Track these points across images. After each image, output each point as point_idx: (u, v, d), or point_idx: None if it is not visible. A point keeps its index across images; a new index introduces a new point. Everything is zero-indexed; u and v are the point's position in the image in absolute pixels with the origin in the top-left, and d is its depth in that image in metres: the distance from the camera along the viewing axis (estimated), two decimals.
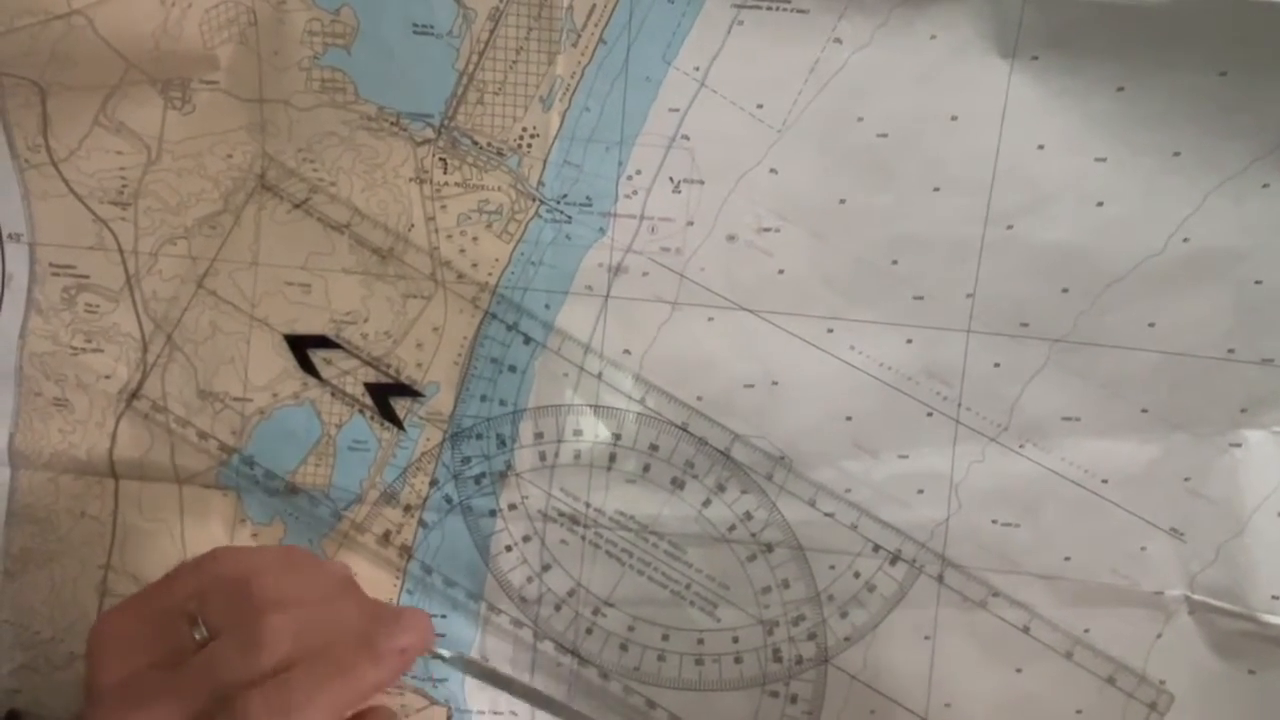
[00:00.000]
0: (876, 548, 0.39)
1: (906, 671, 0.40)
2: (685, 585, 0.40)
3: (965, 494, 0.39)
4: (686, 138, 0.38)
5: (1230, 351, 0.38)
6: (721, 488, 0.40)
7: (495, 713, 0.41)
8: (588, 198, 0.39)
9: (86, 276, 0.40)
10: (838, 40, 0.37)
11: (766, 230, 0.39)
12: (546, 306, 0.40)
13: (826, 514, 0.39)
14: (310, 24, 0.38)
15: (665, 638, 0.40)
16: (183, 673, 0.31)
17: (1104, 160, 0.37)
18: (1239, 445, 0.38)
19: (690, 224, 0.39)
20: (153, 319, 0.41)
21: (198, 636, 0.32)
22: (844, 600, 0.40)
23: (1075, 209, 0.38)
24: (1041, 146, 0.37)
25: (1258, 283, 0.37)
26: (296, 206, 0.40)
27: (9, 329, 0.40)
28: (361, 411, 0.40)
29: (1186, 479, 0.39)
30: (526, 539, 0.40)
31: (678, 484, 0.40)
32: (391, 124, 0.39)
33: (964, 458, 0.39)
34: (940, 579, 0.39)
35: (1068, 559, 0.39)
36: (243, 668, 0.31)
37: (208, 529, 0.41)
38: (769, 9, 0.37)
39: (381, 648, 0.33)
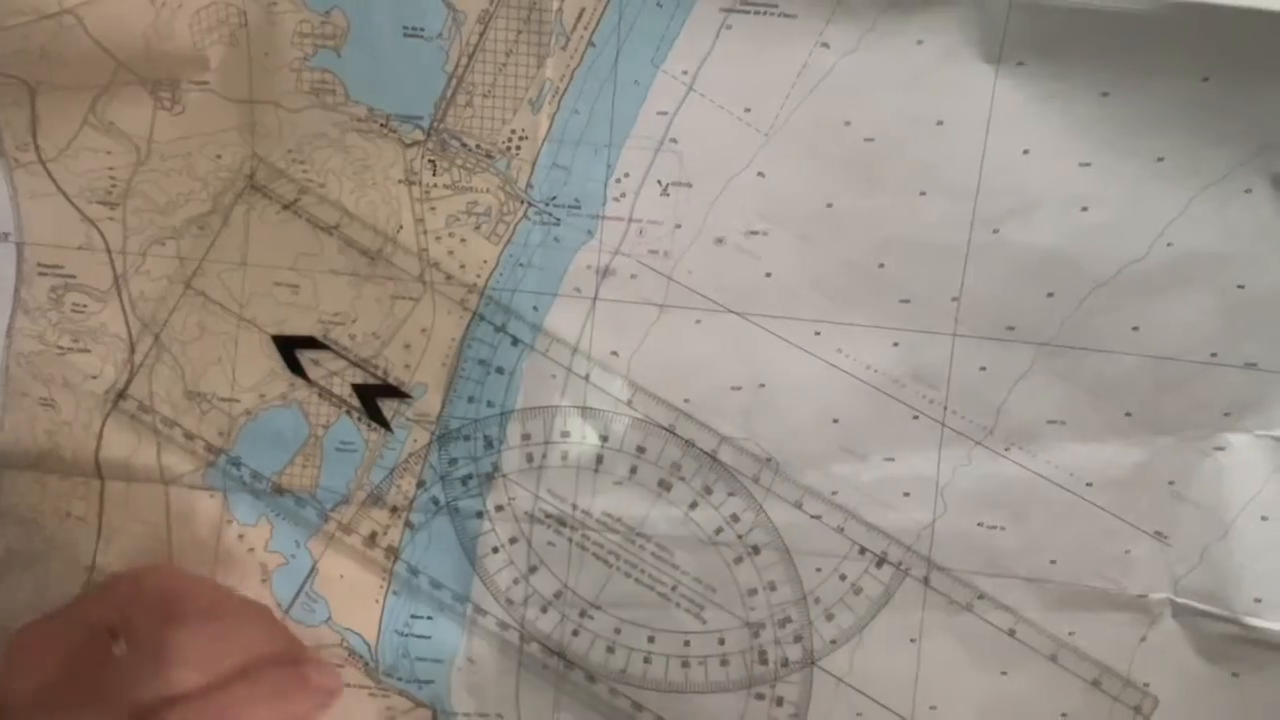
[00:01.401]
0: (863, 550, 0.40)
1: (892, 674, 0.40)
2: (672, 587, 0.40)
3: (951, 497, 0.39)
4: (675, 141, 0.39)
5: (1213, 355, 0.38)
6: (708, 490, 0.40)
7: (481, 714, 0.41)
8: (576, 200, 0.39)
9: (74, 276, 0.40)
10: (825, 45, 0.38)
11: (754, 233, 0.39)
12: (535, 308, 0.40)
13: (813, 516, 0.39)
14: (300, 25, 0.38)
15: (651, 640, 0.40)
16: (97, 686, 0.31)
17: (1088, 165, 0.37)
18: (1223, 449, 0.39)
19: (678, 227, 0.39)
20: (140, 319, 0.41)
21: (117, 651, 0.32)
22: (830, 603, 0.40)
23: (1060, 213, 0.38)
24: (1027, 151, 0.38)
25: (1240, 287, 0.38)
26: (285, 207, 0.40)
27: None
28: (349, 413, 0.40)
29: (1171, 482, 0.39)
30: (513, 541, 0.40)
31: (665, 486, 0.40)
32: (381, 126, 0.39)
33: (950, 461, 0.39)
34: (926, 582, 0.39)
35: (1053, 562, 0.39)
36: (154, 686, 0.31)
37: (194, 530, 0.41)
38: (757, 13, 0.37)
39: (313, 681, 0.34)
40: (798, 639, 0.40)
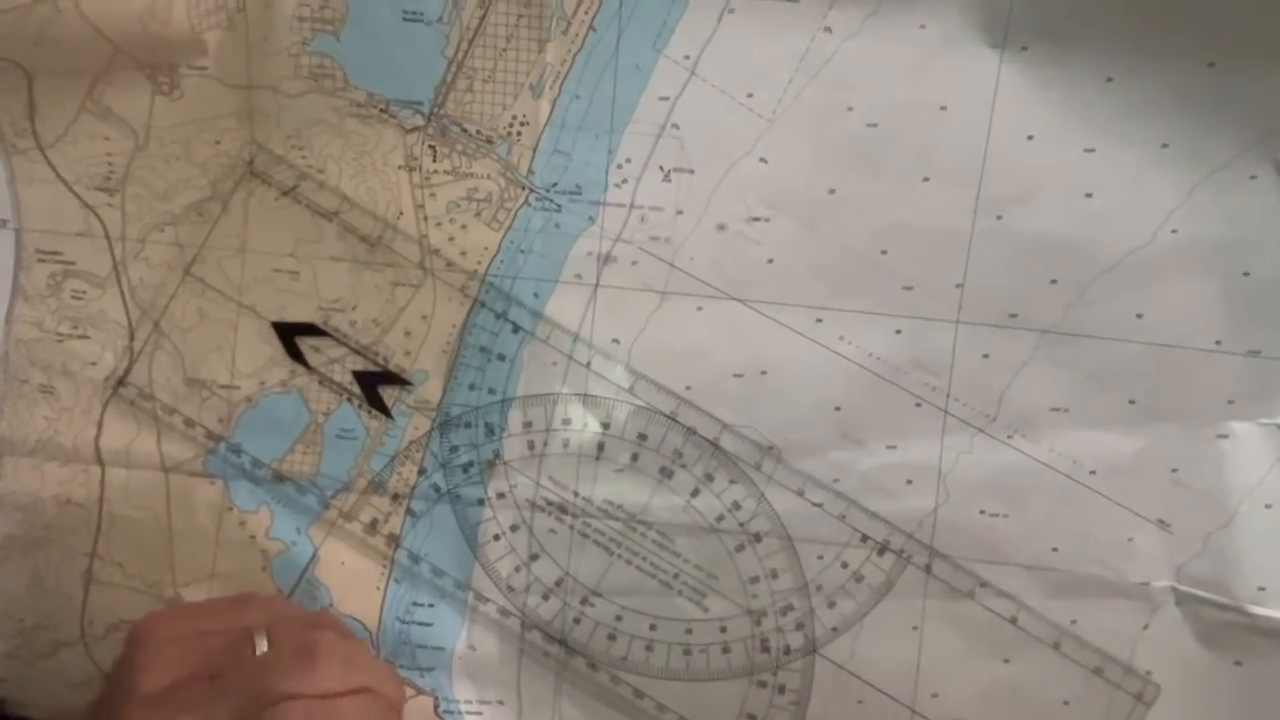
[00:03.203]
0: (864, 538, 0.39)
1: (894, 662, 0.40)
2: (673, 575, 0.40)
3: (953, 485, 0.39)
4: (676, 126, 0.38)
5: (1218, 343, 0.38)
6: (710, 477, 0.40)
7: (483, 701, 0.41)
8: (577, 186, 0.39)
9: (73, 263, 0.40)
10: (828, 29, 0.37)
11: (756, 220, 0.39)
12: (535, 295, 0.39)
13: (815, 504, 0.39)
14: (299, 9, 0.38)
15: (653, 627, 0.40)
16: (231, 677, 0.32)
17: (1093, 151, 0.37)
18: (1226, 437, 0.38)
19: (680, 213, 0.39)
20: (140, 306, 0.40)
21: (260, 650, 0.33)
22: (832, 590, 0.40)
23: (1064, 200, 0.38)
24: (1031, 137, 0.37)
25: (1245, 274, 0.37)
26: (285, 194, 0.40)
27: None
28: (349, 400, 0.40)
29: (1174, 470, 0.39)
30: (514, 528, 0.40)
31: (666, 473, 0.40)
32: (381, 111, 0.39)
33: (952, 448, 0.39)
34: (928, 569, 0.39)
35: (1055, 550, 0.39)
36: (293, 676, 0.32)
37: (194, 517, 0.41)
38: None
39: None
40: (799, 627, 0.40)
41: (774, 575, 0.40)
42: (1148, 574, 0.39)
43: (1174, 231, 0.37)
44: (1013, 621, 0.39)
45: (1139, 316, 0.38)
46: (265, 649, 0.33)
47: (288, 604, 0.38)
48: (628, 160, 0.39)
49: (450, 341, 0.40)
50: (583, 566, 0.40)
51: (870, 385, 0.39)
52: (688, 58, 0.38)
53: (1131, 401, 0.39)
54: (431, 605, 0.41)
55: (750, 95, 0.38)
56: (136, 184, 0.40)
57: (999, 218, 0.38)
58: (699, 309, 0.39)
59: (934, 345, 0.39)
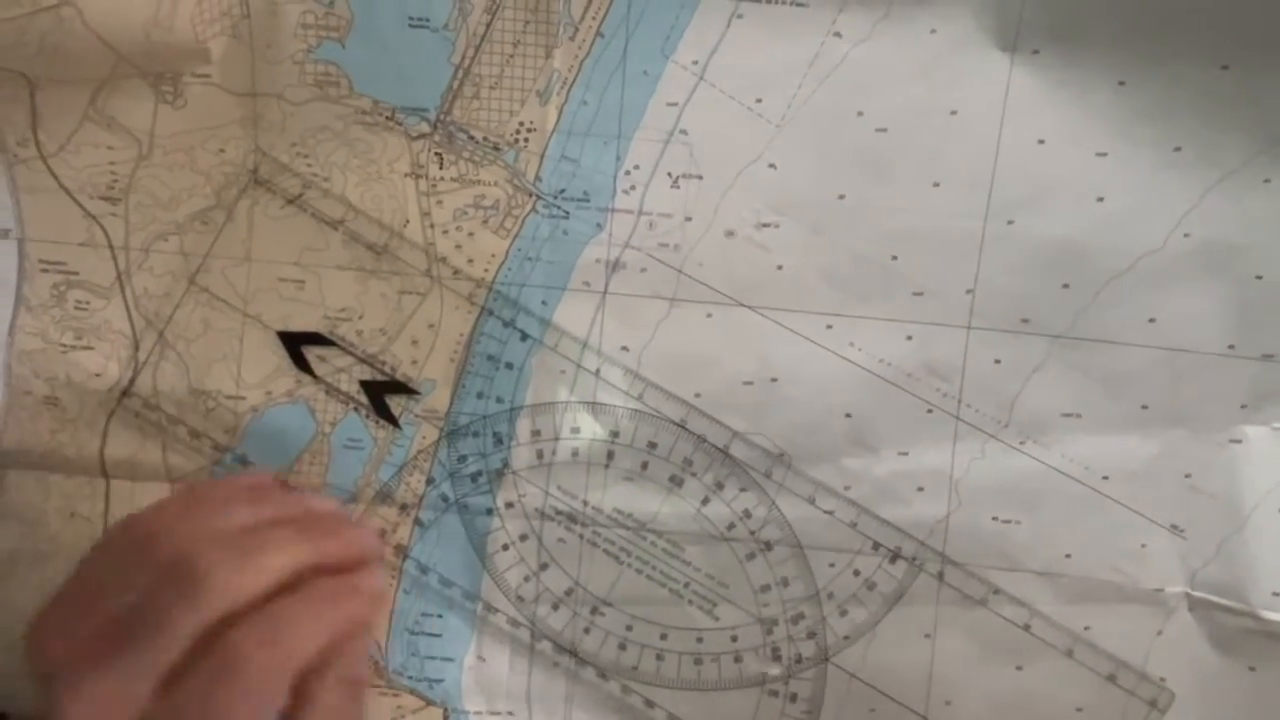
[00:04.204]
0: (876, 545, 0.39)
1: (907, 670, 0.39)
2: (684, 584, 0.40)
3: (965, 491, 0.39)
4: (685, 132, 0.38)
5: (1230, 347, 0.38)
6: (720, 485, 0.39)
7: (493, 713, 0.41)
8: (585, 193, 0.39)
9: (76, 273, 0.40)
10: (837, 34, 0.37)
11: (765, 226, 0.38)
12: (544, 303, 0.39)
13: (826, 511, 0.39)
14: (304, 17, 0.38)
15: (664, 637, 0.40)
16: (133, 626, 0.30)
17: (1104, 155, 0.37)
18: (1239, 441, 0.38)
19: (689, 219, 0.39)
20: (144, 316, 0.40)
21: (131, 599, 0.30)
22: (844, 598, 0.39)
23: (1075, 204, 0.37)
24: (1042, 141, 0.37)
25: (1258, 278, 0.37)
26: (290, 202, 0.39)
27: None
28: (356, 409, 0.40)
29: (1187, 475, 0.38)
30: (524, 538, 0.40)
31: (676, 482, 0.39)
32: (386, 118, 0.38)
33: (964, 455, 0.39)
34: (940, 577, 0.39)
35: (1068, 556, 0.39)
36: (190, 604, 0.30)
37: None
38: (768, 2, 0.37)
39: (362, 585, 0.33)
40: (811, 635, 0.40)
41: (785, 583, 0.39)
42: (1161, 580, 0.39)
43: (1186, 235, 0.37)
44: (1025, 628, 0.39)
45: (1151, 321, 0.38)
46: (137, 599, 0.30)
47: (117, 538, 0.33)
48: (636, 166, 0.38)
49: (458, 350, 0.40)
50: (593, 576, 0.40)
51: (881, 392, 0.39)
52: (696, 63, 0.38)
53: (1144, 406, 0.38)
54: (440, 616, 0.40)
55: (759, 100, 0.38)
56: (140, 193, 0.39)
57: (1010, 222, 0.38)
58: (708, 316, 0.39)
59: (945, 351, 0.39)
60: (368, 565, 0.34)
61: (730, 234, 0.39)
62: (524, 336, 0.39)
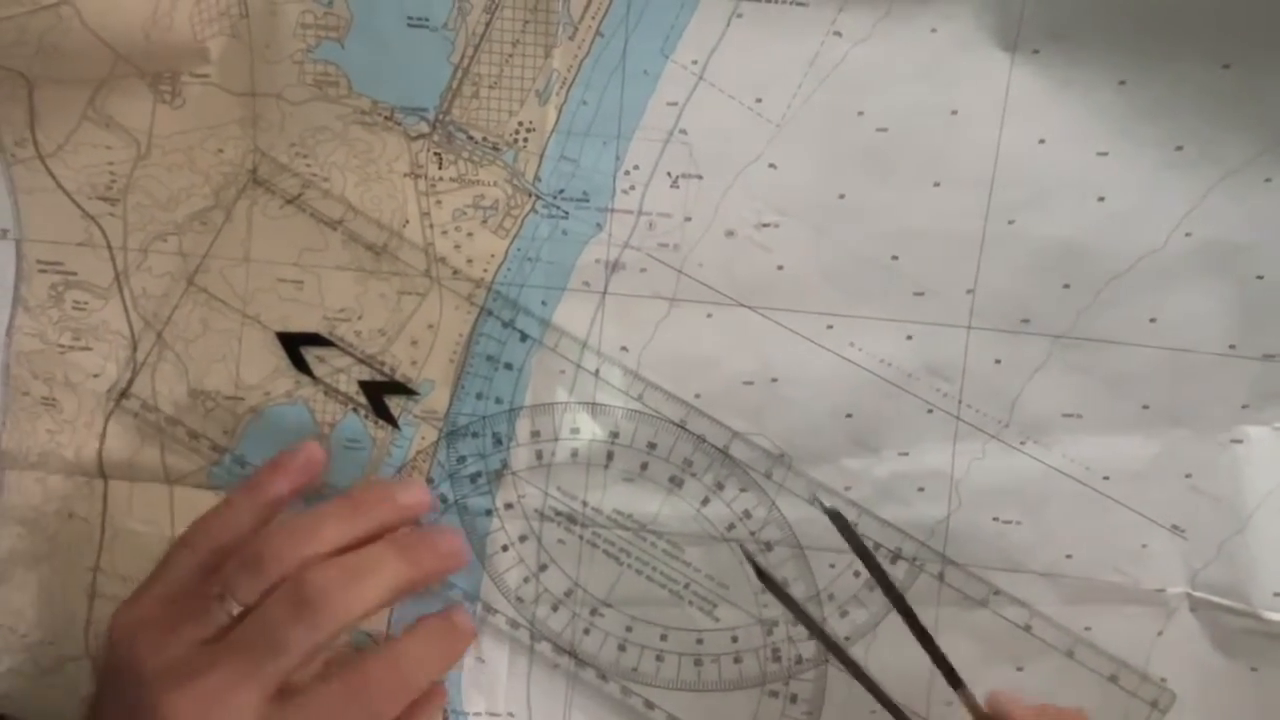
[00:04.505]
0: (877, 546, 0.39)
1: (907, 671, 0.39)
2: (684, 585, 0.40)
3: (966, 492, 0.39)
4: (684, 132, 0.38)
5: (1232, 347, 0.38)
6: (720, 486, 0.39)
7: (492, 714, 0.40)
8: (585, 193, 0.39)
9: (74, 273, 0.40)
10: (837, 33, 0.37)
11: (766, 226, 0.38)
12: (543, 303, 0.39)
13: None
14: (303, 16, 0.38)
15: (664, 638, 0.40)
16: (247, 639, 0.33)
17: (1105, 154, 0.37)
18: (1240, 441, 0.38)
19: (688, 219, 0.38)
20: (142, 316, 0.40)
21: (234, 612, 0.33)
22: (844, 599, 0.39)
23: (1076, 204, 0.37)
24: (1043, 141, 0.37)
25: (1259, 278, 0.37)
26: (289, 202, 0.39)
27: None
28: (355, 410, 0.40)
29: (1188, 475, 0.38)
30: (523, 538, 0.40)
31: (676, 482, 0.39)
32: (385, 118, 0.38)
33: (965, 455, 0.39)
34: (941, 577, 0.39)
35: (1069, 556, 0.39)
36: (309, 625, 0.33)
37: None
38: (768, 1, 0.37)
39: (467, 630, 0.38)
40: (811, 636, 0.39)
41: (785, 584, 0.39)
42: (1162, 580, 0.39)
43: (1188, 235, 0.37)
44: (1026, 629, 0.39)
45: (1152, 321, 0.38)
46: (237, 608, 0.34)
47: (212, 538, 0.36)
48: (635, 166, 0.38)
49: (457, 350, 0.39)
50: (592, 577, 0.40)
51: (882, 392, 0.39)
52: (695, 62, 0.38)
53: (1145, 407, 0.38)
54: None
55: (759, 100, 0.38)
56: (138, 193, 0.39)
57: (1011, 222, 0.38)
58: (708, 316, 0.39)
59: (946, 351, 0.38)
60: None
61: (730, 234, 0.39)
62: (523, 337, 0.39)
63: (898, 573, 0.39)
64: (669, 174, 0.38)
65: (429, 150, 0.39)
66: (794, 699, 0.40)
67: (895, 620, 0.39)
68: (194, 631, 0.34)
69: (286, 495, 0.37)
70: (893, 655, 0.39)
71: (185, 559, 0.36)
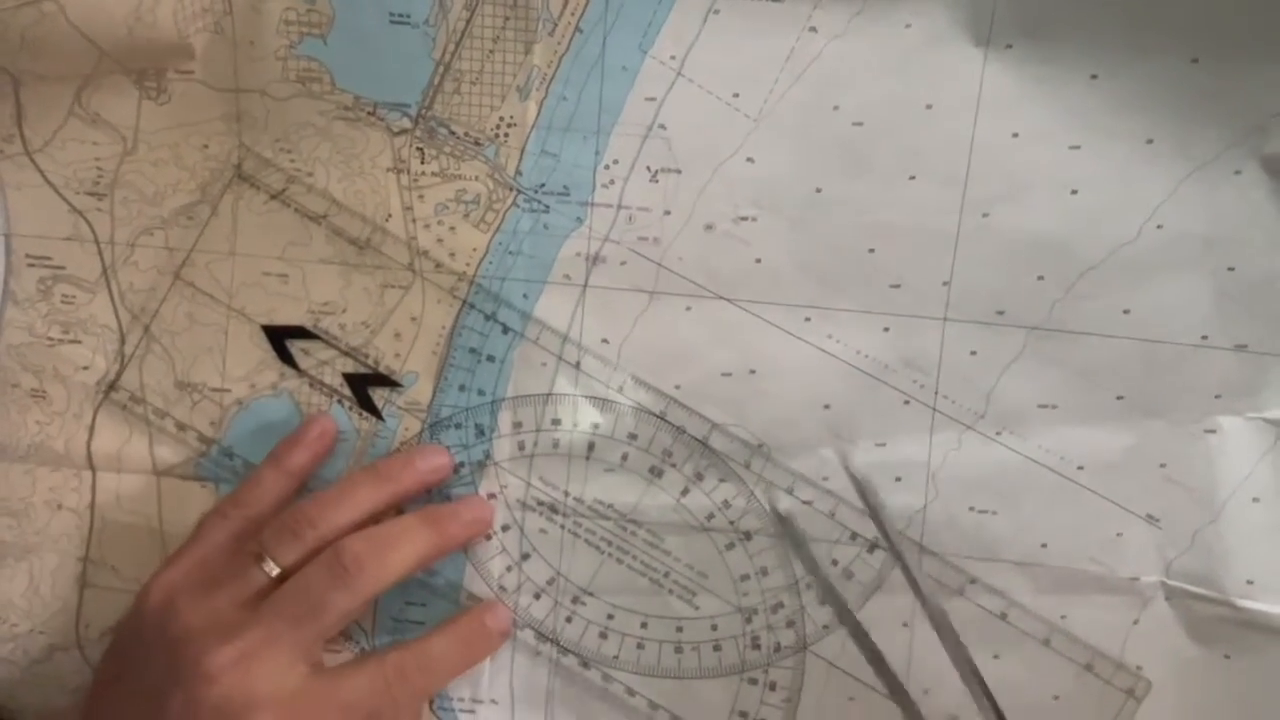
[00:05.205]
0: (854, 535, 0.40)
1: (885, 658, 0.40)
2: (664, 574, 0.40)
3: (942, 482, 0.39)
4: (663, 127, 0.39)
5: (1204, 338, 0.38)
6: (700, 476, 0.40)
7: (476, 700, 0.41)
8: (565, 187, 0.39)
9: (63, 268, 0.40)
10: (813, 29, 0.37)
11: (744, 219, 0.39)
12: (525, 296, 0.40)
13: (804, 502, 0.40)
14: (286, 13, 0.38)
15: (644, 626, 0.40)
16: (287, 602, 0.35)
17: (1078, 148, 0.37)
18: (1214, 432, 0.38)
19: (668, 213, 0.39)
20: (130, 310, 0.40)
21: (273, 573, 0.36)
22: (823, 588, 0.40)
23: (1050, 197, 0.38)
24: (1016, 135, 0.37)
25: (1230, 269, 0.38)
26: (273, 197, 0.40)
27: None
28: (340, 402, 0.40)
29: (1162, 465, 0.39)
30: (505, 528, 0.40)
31: (656, 472, 0.40)
32: (368, 114, 0.39)
33: (941, 446, 0.39)
34: (918, 566, 0.39)
35: (1045, 546, 0.39)
36: (348, 591, 0.35)
37: (187, 521, 0.40)
38: None
39: (497, 631, 0.40)
40: (790, 624, 0.40)
41: (764, 573, 0.40)
42: (1137, 569, 0.39)
43: (1160, 227, 0.37)
44: (1002, 618, 0.39)
45: (1126, 312, 0.38)
46: (275, 569, 0.36)
47: (252, 508, 0.38)
48: (615, 161, 0.39)
49: (440, 343, 0.40)
50: (574, 566, 0.40)
51: (859, 383, 0.39)
52: (674, 58, 0.38)
53: (1119, 397, 0.39)
54: (424, 605, 0.41)
55: (736, 95, 0.38)
56: (125, 188, 0.40)
57: (985, 215, 0.38)
58: (688, 309, 0.39)
59: (922, 343, 0.39)
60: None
61: (709, 227, 0.39)
62: (505, 329, 0.40)
63: (875, 561, 0.40)
64: (648, 168, 0.39)
65: (411, 145, 0.39)
66: (773, 686, 0.40)
67: (873, 609, 0.40)
68: (234, 591, 0.36)
69: (308, 464, 0.39)
70: (871, 643, 0.40)
71: (220, 527, 0.38)
